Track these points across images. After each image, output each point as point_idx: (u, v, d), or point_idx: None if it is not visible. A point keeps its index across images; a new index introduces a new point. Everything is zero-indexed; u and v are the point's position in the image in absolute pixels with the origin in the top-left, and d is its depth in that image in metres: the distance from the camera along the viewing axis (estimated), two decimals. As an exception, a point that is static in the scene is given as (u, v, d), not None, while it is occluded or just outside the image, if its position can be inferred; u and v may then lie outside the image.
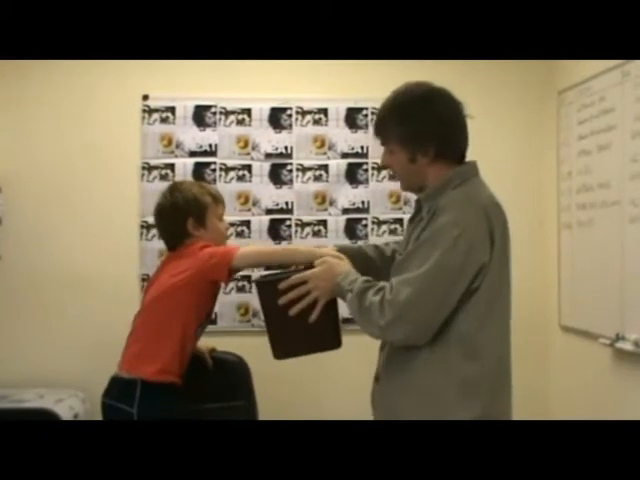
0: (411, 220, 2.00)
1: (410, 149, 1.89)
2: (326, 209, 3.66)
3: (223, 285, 3.50)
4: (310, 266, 2.01)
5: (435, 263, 1.74)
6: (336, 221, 3.65)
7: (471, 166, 1.93)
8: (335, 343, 2.07)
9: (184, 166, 3.59)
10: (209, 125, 3.62)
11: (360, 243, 2.20)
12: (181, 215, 2.55)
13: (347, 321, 2.01)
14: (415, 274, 1.76)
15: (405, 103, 1.91)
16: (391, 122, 1.92)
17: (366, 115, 3.67)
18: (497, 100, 3.70)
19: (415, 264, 1.77)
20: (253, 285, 2.12)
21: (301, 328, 1.96)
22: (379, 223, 3.66)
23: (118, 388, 2.47)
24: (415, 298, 1.74)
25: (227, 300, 3.55)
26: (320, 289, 1.94)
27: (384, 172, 3.65)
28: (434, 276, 1.75)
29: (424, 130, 1.88)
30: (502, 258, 1.82)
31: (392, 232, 3.63)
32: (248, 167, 3.63)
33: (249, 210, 3.62)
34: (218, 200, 2.64)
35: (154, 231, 3.52)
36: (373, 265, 2.17)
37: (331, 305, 1.98)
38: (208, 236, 2.54)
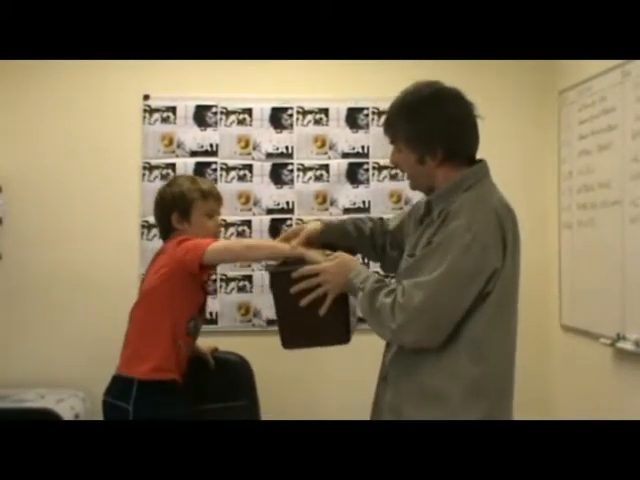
0: (420, 221, 1.98)
1: (418, 150, 1.87)
2: (327, 209, 3.66)
3: (224, 285, 3.52)
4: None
5: (447, 268, 1.74)
6: (337, 221, 3.65)
7: (482, 166, 1.91)
8: (343, 338, 2.06)
9: (185, 166, 3.59)
10: (210, 125, 3.62)
11: (344, 218, 2.22)
12: (167, 209, 2.60)
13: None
14: (427, 278, 1.75)
15: (414, 102, 1.89)
16: (399, 121, 1.90)
17: (367, 115, 3.67)
18: (498, 100, 3.69)
19: (428, 268, 1.77)
20: (267, 275, 2.16)
21: (311, 320, 1.97)
22: (380, 223, 3.66)
23: (117, 386, 2.50)
24: (427, 302, 1.74)
25: (228, 300, 3.56)
26: (330, 283, 1.94)
27: (385, 172, 3.65)
28: (446, 281, 1.74)
29: (432, 131, 1.86)
30: (513, 261, 1.81)
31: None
32: (249, 167, 3.63)
33: (250, 210, 3.62)
34: (208, 196, 2.63)
35: (155, 231, 3.52)
36: (350, 240, 2.19)
37: (342, 300, 1.99)
38: (192, 231, 2.56)
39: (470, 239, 1.74)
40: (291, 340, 2.08)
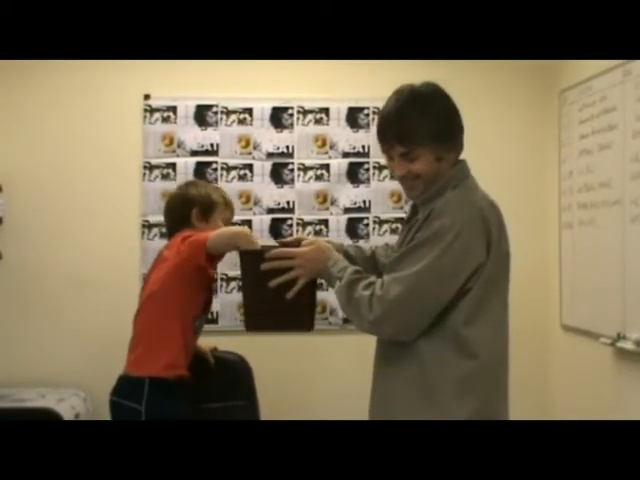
0: (407, 221, 1.98)
1: (440, 146, 1.83)
2: (327, 208, 3.66)
3: (225, 284, 3.52)
4: (297, 245, 2.01)
5: (428, 264, 1.74)
6: (337, 220, 3.65)
7: (464, 166, 1.91)
8: (307, 325, 2.05)
9: (185, 165, 3.59)
10: (210, 124, 3.62)
11: (343, 242, 2.23)
12: (188, 204, 2.63)
13: (347, 321, 2.01)
14: (407, 273, 1.75)
15: (426, 99, 1.85)
16: (420, 120, 1.81)
17: (367, 114, 3.67)
18: (498, 100, 3.69)
19: (408, 264, 1.76)
20: (237, 254, 2.13)
21: (277, 304, 1.94)
22: (380, 222, 3.66)
23: (126, 386, 2.49)
24: (405, 297, 1.74)
25: (228, 299, 3.56)
26: (304, 269, 1.92)
27: (385, 171, 3.65)
28: (426, 277, 1.74)
29: (452, 122, 1.87)
30: (498, 258, 1.81)
31: (393, 231, 3.63)
32: (249, 166, 3.63)
33: (250, 209, 3.62)
34: (228, 205, 2.72)
35: (155, 230, 3.53)
36: (349, 257, 2.14)
37: (310, 287, 1.97)
38: (207, 230, 2.56)
39: (453, 238, 1.73)
40: (255, 322, 2.06)
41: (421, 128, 1.82)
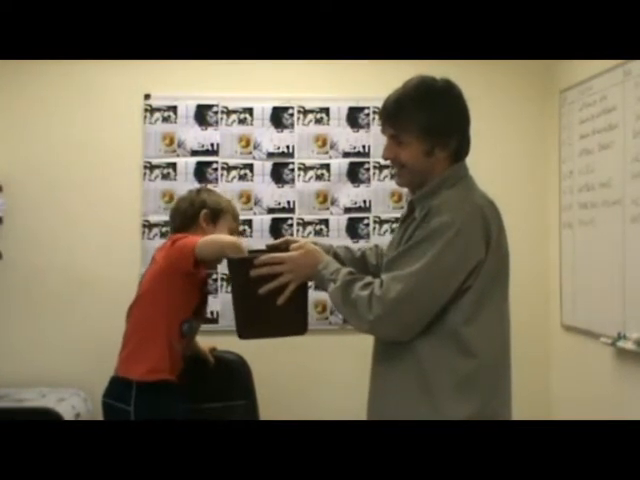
0: (403, 220, 1.98)
1: (429, 141, 1.84)
2: (328, 208, 3.66)
3: (225, 284, 3.52)
4: (286, 247, 2.00)
5: (428, 262, 1.73)
6: (338, 220, 3.65)
7: (463, 165, 1.92)
8: (301, 329, 2.04)
9: (186, 165, 3.59)
10: (211, 124, 3.62)
11: (332, 244, 2.22)
12: (198, 204, 2.61)
13: (347, 321, 2.00)
14: (407, 272, 1.75)
15: (430, 92, 1.87)
16: (414, 110, 1.85)
17: (368, 114, 3.67)
18: (498, 100, 3.69)
19: (408, 262, 1.76)
20: (226, 262, 2.10)
21: (269, 310, 1.93)
22: (381, 222, 3.66)
23: (116, 388, 2.50)
24: (405, 295, 1.74)
25: (227, 299, 3.54)
26: (294, 273, 1.91)
27: (386, 171, 3.65)
28: (426, 275, 1.74)
29: (450, 121, 1.86)
30: (497, 257, 1.81)
31: (394, 231, 3.61)
32: (250, 166, 3.63)
33: (251, 209, 3.62)
34: (236, 218, 2.71)
35: (156, 230, 3.53)
36: (338, 258, 2.13)
37: (301, 290, 1.96)
38: (212, 233, 2.54)
39: (453, 235, 1.73)
40: (248, 330, 2.03)
41: (412, 118, 1.85)
